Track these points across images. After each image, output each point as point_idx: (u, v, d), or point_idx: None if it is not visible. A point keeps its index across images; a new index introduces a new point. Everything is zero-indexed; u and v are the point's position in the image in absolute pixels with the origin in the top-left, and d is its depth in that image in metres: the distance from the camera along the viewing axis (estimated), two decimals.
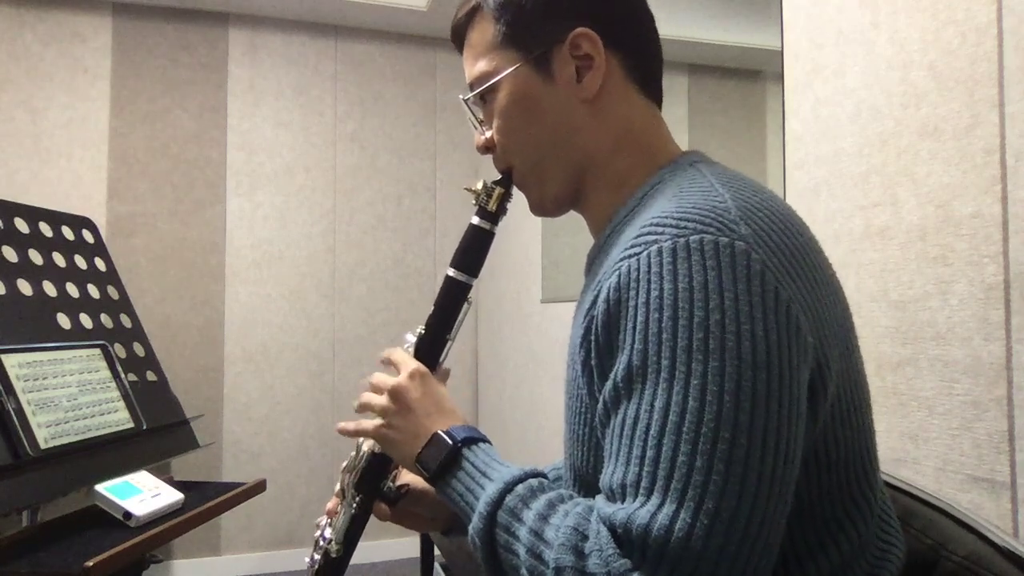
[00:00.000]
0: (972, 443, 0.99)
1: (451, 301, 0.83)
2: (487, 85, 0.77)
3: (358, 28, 3.45)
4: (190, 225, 3.19)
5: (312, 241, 3.36)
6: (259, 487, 2.09)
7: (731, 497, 0.52)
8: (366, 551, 3.34)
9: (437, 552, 2.48)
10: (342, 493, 0.86)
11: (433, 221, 3.56)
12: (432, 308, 0.83)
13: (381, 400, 0.78)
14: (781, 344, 0.55)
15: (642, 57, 0.77)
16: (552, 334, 2.67)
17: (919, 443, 1.07)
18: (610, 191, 0.76)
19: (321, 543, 0.86)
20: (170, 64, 3.19)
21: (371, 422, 0.79)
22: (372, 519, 0.87)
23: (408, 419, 0.75)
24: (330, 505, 0.88)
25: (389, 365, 0.82)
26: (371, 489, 0.85)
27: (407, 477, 0.90)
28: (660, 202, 0.65)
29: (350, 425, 0.82)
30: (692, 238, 0.56)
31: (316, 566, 0.86)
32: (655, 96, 0.79)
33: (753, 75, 1.63)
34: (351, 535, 0.85)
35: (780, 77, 1.40)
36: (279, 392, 3.27)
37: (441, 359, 0.84)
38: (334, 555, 0.84)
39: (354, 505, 0.85)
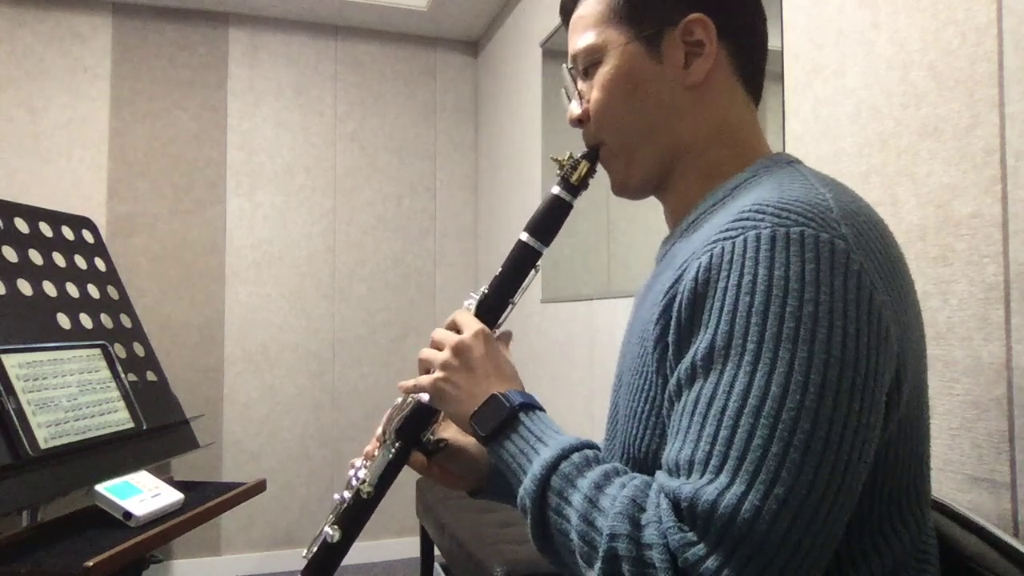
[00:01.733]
0: (972, 443, 0.99)
1: (520, 265, 0.83)
2: (594, 58, 0.76)
3: (358, 28, 3.45)
4: (190, 225, 3.18)
5: (312, 241, 3.36)
6: (259, 487, 2.09)
7: (802, 487, 0.52)
8: (366, 551, 3.35)
9: (437, 552, 2.48)
10: (383, 437, 0.86)
11: (433, 221, 3.56)
12: (499, 270, 0.83)
13: (443, 355, 0.77)
14: (871, 346, 0.55)
15: (751, 52, 0.77)
16: (552, 334, 2.67)
17: None
18: (699, 180, 0.75)
19: (354, 482, 0.86)
20: (170, 64, 3.18)
21: (429, 376, 0.78)
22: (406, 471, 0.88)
23: (467, 377, 0.75)
24: (368, 448, 0.88)
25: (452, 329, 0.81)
26: (411, 437, 0.86)
27: (447, 432, 0.90)
28: (758, 192, 0.64)
29: (409, 382, 0.81)
30: (793, 229, 0.56)
31: (345, 504, 0.86)
32: (755, 93, 0.79)
33: None
34: (385, 479, 0.85)
35: (780, 77, 1.40)
36: (279, 392, 3.27)
37: (500, 321, 0.84)
38: (365, 496, 0.84)
39: (392, 450, 0.85)
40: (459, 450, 0.90)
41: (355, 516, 0.85)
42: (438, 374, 0.77)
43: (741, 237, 0.58)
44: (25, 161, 2.98)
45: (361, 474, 0.86)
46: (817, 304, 0.54)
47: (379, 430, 0.87)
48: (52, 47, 3.03)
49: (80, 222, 2.27)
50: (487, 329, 0.79)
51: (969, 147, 1.00)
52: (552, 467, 0.63)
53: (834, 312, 0.54)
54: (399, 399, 0.87)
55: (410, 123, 3.54)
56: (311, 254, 3.35)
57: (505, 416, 0.70)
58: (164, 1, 3.13)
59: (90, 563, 1.36)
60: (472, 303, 0.84)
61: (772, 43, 1.42)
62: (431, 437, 0.88)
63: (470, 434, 0.75)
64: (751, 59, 0.77)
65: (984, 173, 0.98)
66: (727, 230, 0.59)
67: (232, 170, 3.25)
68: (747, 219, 0.59)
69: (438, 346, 0.79)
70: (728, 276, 0.57)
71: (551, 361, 2.68)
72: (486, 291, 0.84)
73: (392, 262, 3.48)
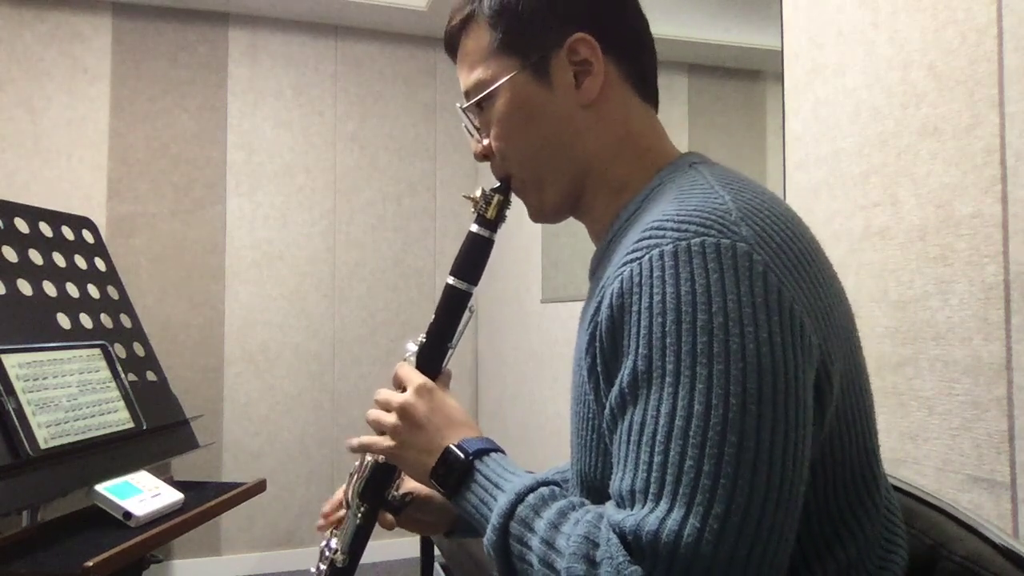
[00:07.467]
0: (972, 443, 0.99)
1: (451, 309, 0.82)
2: (484, 93, 0.76)
3: (358, 28, 3.45)
4: (190, 225, 3.18)
5: (312, 241, 3.36)
6: (259, 487, 2.09)
7: (740, 501, 0.51)
8: (366, 551, 3.33)
9: (437, 552, 2.48)
10: (347, 503, 0.87)
11: (433, 221, 3.56)
12: (433, 316, 0.83)
13: (391, 419, 0.77)
14: (785, 346, 0.55)
15: (638, 60, 0.77)
16: (552, 334, 2.67)
17: (919, 443, 1.07)
18: (610, 196, 0.76)
19: (327, 553, 0.87)
20: (170, 64, 3.18)
21: (384, 441, 0.78)
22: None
23: (419, 436, 0.75)
24: (325, 509, 0.89)
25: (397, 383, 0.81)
26: (375, 498, 0.86)
27: (410, 484, 0.90)
28: (660, 205, 0.64)
29: (355, 441, 0.81)
30: (693, 241, 0.56)
31: None
32: (652, 99, 0.79)
33: (753, 75, 1.63)
34: (356, 545, 0.86)
35: (780, 77, 1.40)
36: (279, 392, 3.27)
37: (443, 366, 0.83)
38: (340, 565, 0.85)
39: (359, 515, 0.85)
40: (426, 499, 0.90)
41: None
42: (389, 442, 0.77)
43: (646, 257, 0.58)
44: (25, 161, 2.98)
45: (333, 543, 0.86)
46: (726, 314, 0.54)
47: (339, 494, 0.88)
48: (52, 47, 3.03)
49: (80, 222, 2.27)
50: (429, 382, 0.78)
51: (969, 147, 1.00)
52: (508, 514, 0.63)
53: (744, 319, 0.54)
54: (357, 462, 0.86)
55: (410, 123, 3.54)
56: (311, 254, 3.35)
57: (461, 468, 0.70)
58: (164, 1, 3.13)
59: (90, 563, 1.36)
60: (412, 354, 0.83)
61: (772, 43, 1.42)
62: (395, 493, 0.88)
63: (435, 491, 0.75)
64: (640, 66, 0.77)
65: (984, 173, 0.98)
66: (632, 251, 0.59)
67: (232, 170, 3.25)
68: (650, 237, 0.59)
69: (384, 406, 0.79)
70: (640, 299, 0.57)
71: (551, 361, 2.68)
72: (423, 339, 0.83)
73: (392, 262, 3.48)
